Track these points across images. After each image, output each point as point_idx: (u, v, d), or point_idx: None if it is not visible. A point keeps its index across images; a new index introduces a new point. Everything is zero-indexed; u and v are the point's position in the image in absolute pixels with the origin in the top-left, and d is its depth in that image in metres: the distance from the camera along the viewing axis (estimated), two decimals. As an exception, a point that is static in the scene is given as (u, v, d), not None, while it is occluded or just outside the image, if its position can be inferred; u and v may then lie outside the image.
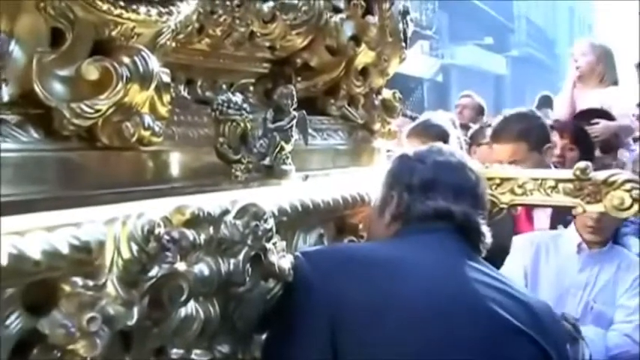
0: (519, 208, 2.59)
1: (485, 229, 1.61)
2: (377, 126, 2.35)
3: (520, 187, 2.21)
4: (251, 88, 2.00)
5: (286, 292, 1.37)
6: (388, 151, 2.39)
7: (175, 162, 1.50)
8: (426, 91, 22.52)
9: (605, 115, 4.17)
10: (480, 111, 5.43)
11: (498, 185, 2.23)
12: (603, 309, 2.87)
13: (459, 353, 1.35)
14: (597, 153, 3.88)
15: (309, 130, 1.85)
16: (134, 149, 1.36)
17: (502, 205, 2.23)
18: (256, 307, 1.33)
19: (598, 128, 4.03)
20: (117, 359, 1.11)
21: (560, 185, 2.14)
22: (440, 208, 1.57)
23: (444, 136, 3.41)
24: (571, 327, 2.57)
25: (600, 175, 1.98)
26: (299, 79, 2.10)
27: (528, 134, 3.32)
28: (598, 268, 2.91)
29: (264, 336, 1.40)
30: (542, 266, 2.95)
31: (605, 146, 4.01)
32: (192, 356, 1.22)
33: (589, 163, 2.09)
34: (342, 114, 2.24)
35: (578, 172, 2.07)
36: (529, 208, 3.00)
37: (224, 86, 1.90)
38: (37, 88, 1.19)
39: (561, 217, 3.15)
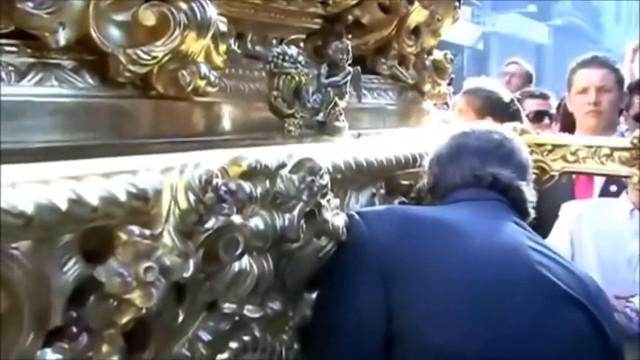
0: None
1: (522, 185, 1.58)
2: (427, 87, 2.31)
3: (573, 154, 2.15)
4: (301, 44, 1.95)
5: (340, 251, 1.34)
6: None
7: (228, 114, 1.48)
8: (466, 59, 22.20)
9: None
10: (528, 79, 5.17)
11: (550, 152, 2.17)
12: None
13: (508, 316, 1.33)
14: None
15: (361, 89, 1.81)
16: (188, 99, 1.33)
17: (553, 172, 2.17)
18: (308, 265, 1.31)
19: None
20: (169, 311, 1.10)
21: (616, 153, 2.07)
22: (466, 174, 1.58)
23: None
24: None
25: (659, 144, 1.91)
26: (350, 36, 2.05)
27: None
28: None
29: (314, 295, 1.38)
30: (588, 235, 2.87)
31: None
32: (245, 312, 1.20)
33: (648, 131, 2.01)
34: (392, 74, 2.20)
35: (635, 141, 2.00)
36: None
37: (274, 41, 1.86)
38: (94, 33, 1.17)
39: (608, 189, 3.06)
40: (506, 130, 1.73)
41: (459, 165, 1.59)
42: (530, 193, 1.60)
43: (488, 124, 1.73)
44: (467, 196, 1.56)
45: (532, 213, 1.61)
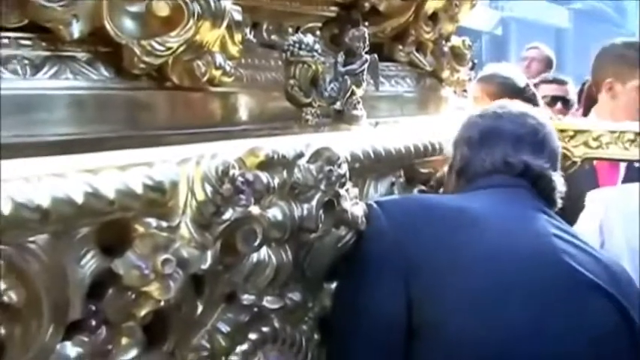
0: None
1: (553, 175, 1.54)
2: (445, 74, 2.28)
3: (595, 139, 2.12)
4: (317, 32, 1.94)
5: (359, 241, 1.33)
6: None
7: (245, 104, 1.47)
8: (485, 45, 21.98)
9: None
10: (548, 64, 5.09)
11: (571, 138, 2.13)
12: None
13: (534, 305, 1.31)
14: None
15: (378, 76, 1.79)
16: (204, 90, 1.33)
17: (575, 159, 2.13)
18: (327, 255, 1.30)
19: None
20: (188, 303, 1.09)
21: (640, 138, 2.03)
22: (497, 161, 1.52)
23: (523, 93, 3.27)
24: None
25: (685, 128, 1.87)
26: (366, 23, 2.02)
27: None
28: None
29: (333, 285, 1.36)
30: (617, 223, 2.81)
31: None
32: (264, 303, 1.20)
33: (674, 115, 1.98)
34: (410, 60, 2.18)
35: (661, 126, 1.97)
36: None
37: (290, 30, 1.84)
38: (108, 25, 1.16)
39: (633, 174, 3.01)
40: (539, 113, 1.68)
41: (490, 150, 1.53)
42: (560, 182, 1.55)
43: (520, 105, 1.67)
44: (494, 182, 1.51)
45: (559, 202, 1.56)
